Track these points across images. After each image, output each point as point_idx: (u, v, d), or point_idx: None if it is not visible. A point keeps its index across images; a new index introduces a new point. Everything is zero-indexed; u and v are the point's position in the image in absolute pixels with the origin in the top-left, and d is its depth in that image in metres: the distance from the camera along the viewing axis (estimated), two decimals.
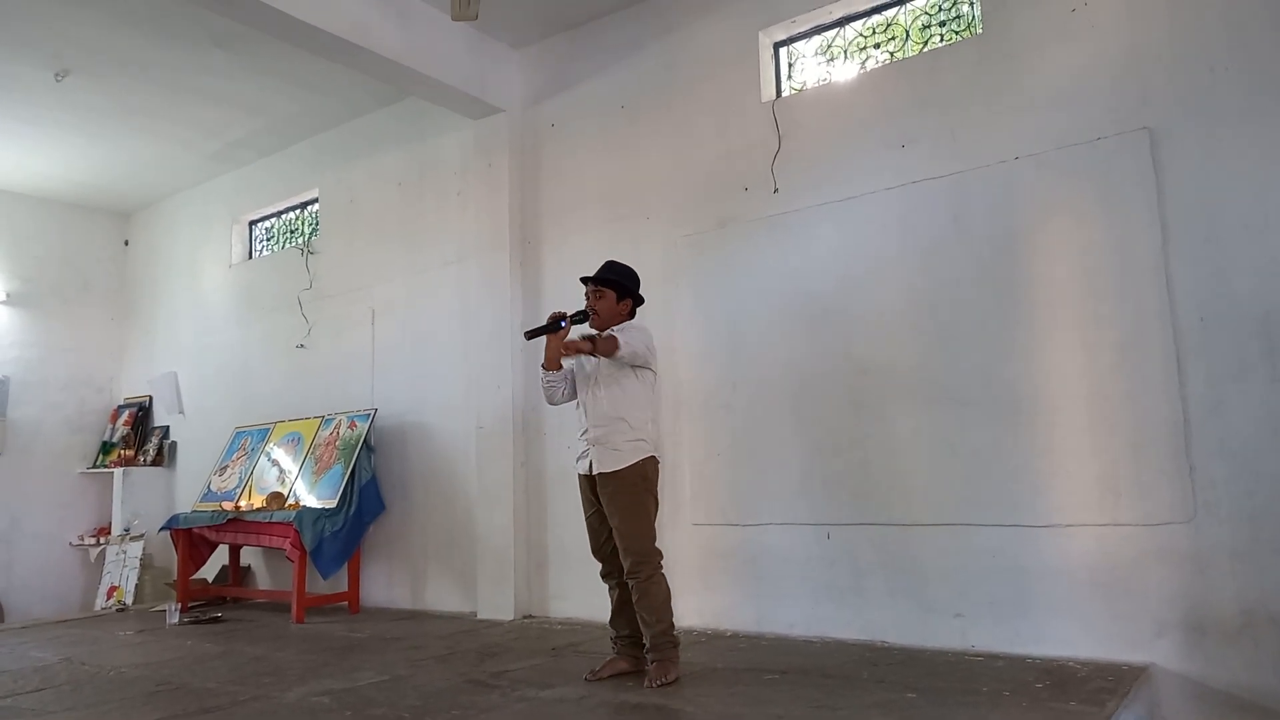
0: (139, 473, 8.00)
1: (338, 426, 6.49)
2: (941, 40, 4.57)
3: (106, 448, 8.40)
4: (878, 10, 4.79)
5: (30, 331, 8.19)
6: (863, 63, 4.83)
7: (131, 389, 8.65)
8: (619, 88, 5.56)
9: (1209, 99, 3.73)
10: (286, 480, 6.54)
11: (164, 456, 8.11)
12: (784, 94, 5.05)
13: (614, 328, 3.81)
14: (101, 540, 7.85)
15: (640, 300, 4.02)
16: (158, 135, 7.13)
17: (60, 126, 6.87)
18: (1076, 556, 3.83)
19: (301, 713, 3.47)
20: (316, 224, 7.38)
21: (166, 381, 8.22)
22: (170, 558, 7.13)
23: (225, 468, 7.11)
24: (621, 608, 3.82)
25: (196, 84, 6.29)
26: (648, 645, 3.67)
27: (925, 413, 4.26)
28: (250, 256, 8.02)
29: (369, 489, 6.21)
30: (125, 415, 8.45)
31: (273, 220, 7.95)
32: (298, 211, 7.72)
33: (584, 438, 3.83)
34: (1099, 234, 3.90)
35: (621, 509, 3.68)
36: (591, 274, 3.96)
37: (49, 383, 8.26)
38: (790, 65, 5.11)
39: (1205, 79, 3.75)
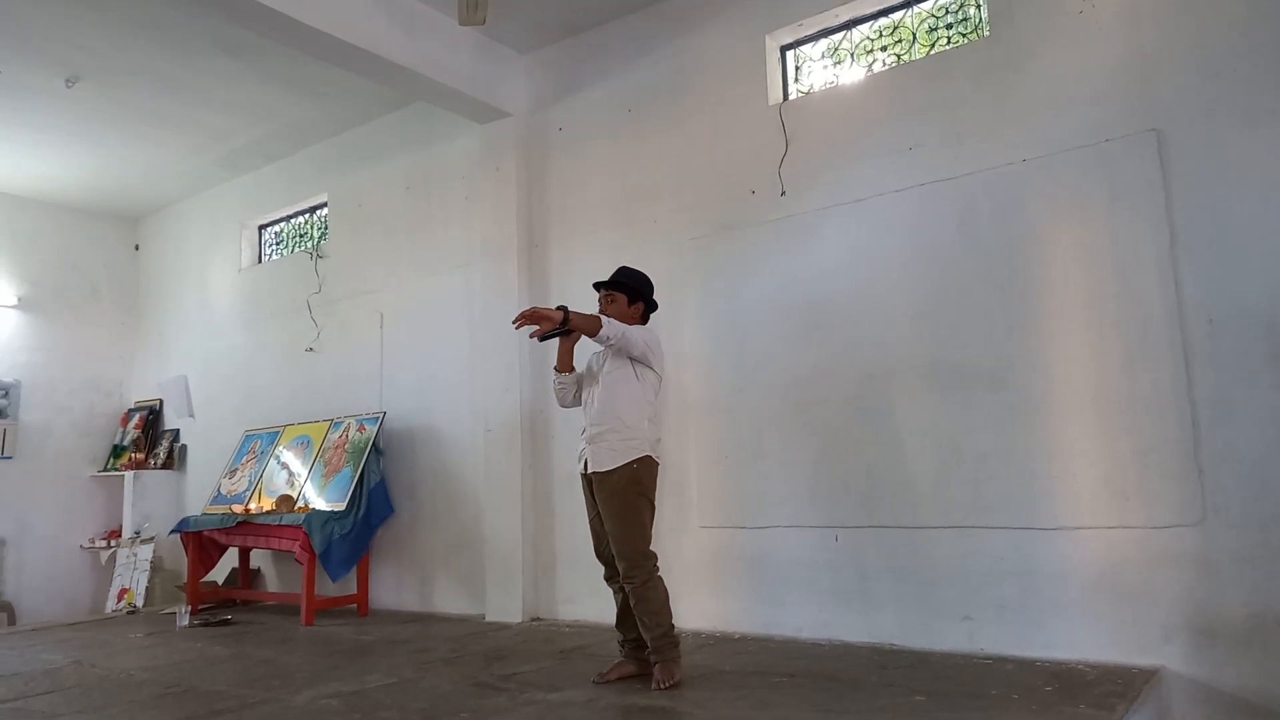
0: (149, 476, 8.04)
1: (346, 429, 6.51)
2: (948, 43, 4.57)
3: (117, 451, 8.45)
4: (884, 13, 4.79)
5: (41, 336, 8.24)
6: (869, 66, 4.83)
7: (142, 392, 8.69)
8: (626, 92, 5.57)
9: (1217, 101, 3.72)
10: (296, 483, 6.56)
11: (174, 459, 8.15)
12: (791, 97, 5.05)
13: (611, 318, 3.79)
14: (112, 543, 7.88)
15: (654, 306, 4.03)
16: (167, 141, 7.18)
17: (71, 132, 6.92)
18: (1085, 559, 3.82)
19: (310, 715, 3.48)
20: (325, 228, 7.41)
21: (176, 385, 8.26)
22: (180, 560, 7.16)
23: (235, 471, 7.14)
24: (627, 610, 3.81)
25: (206, 90, 6.33)
26: (649, 648, 3.67)
27: (932, 415, 4.26)
28: (259, 261, 8.06)
29: (378, 492, 6.23)
30: (135, 419, 8.49)
31: (282, 225, 7.99)
32: (307, 216, 7.75)
33: (583, 437, 3.85)
34: (1106, 236, 3.89)
35: (613, 511, 3.69)
36: (604, 280, 3.98)
37: (59, 387, 8.31)
38: (797, 68, 5.12)
39: (1213, 80, 3.74)
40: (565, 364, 3.91)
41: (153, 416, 8.44)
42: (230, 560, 7.11)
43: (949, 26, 4.59)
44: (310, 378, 7.12)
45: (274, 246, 8.04)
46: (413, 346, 6.49)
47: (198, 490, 7.80)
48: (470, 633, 5.22)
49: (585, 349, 3.90)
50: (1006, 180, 4.16)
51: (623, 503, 3.68)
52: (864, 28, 4.87)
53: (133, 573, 7.34)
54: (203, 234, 8.34)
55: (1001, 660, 3.87)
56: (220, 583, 7.14)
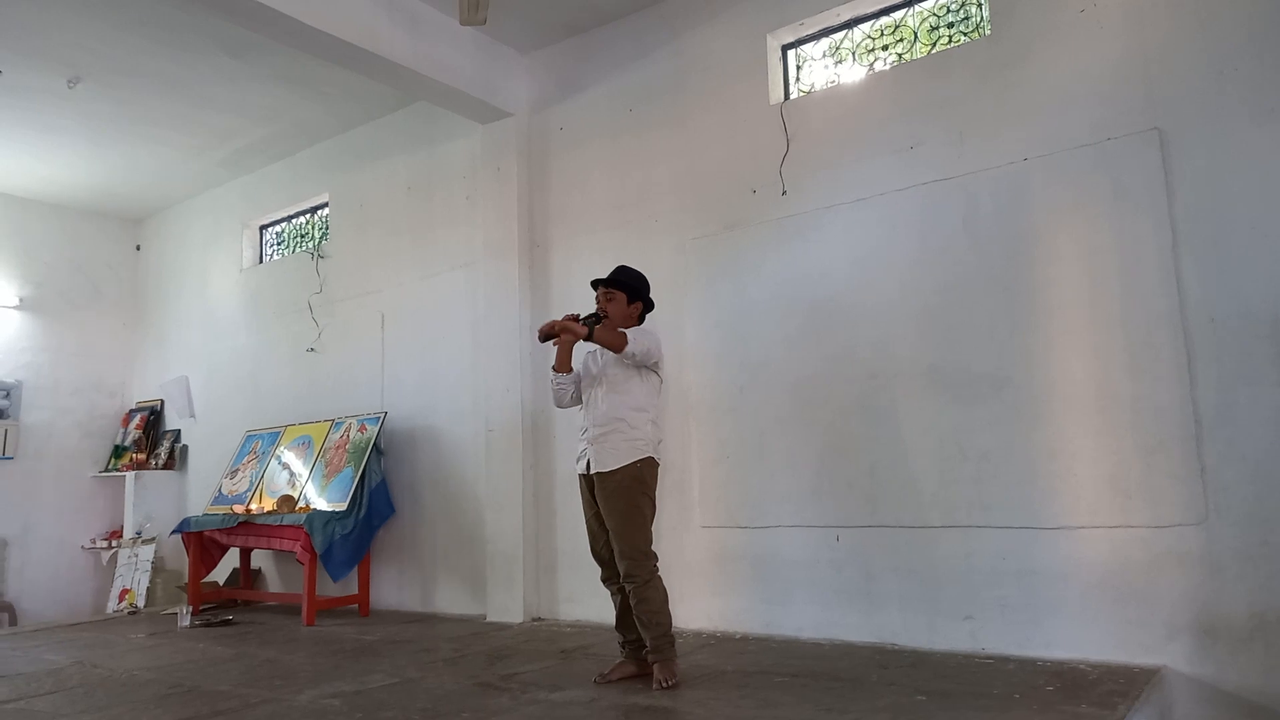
0: (150, 476, 8.04)
1: (348, 430, 6.51)
2: (950, 42, 4.57)
3: (118, 451, 8.45)
4: (886, 12, 4.78)
5: (42, 336, 8.24)
6: (871, 65, 4.82)
7: (143, 393, 8.70)
8: (627, 91, 5.57)
9: (1219, 99, 3.72)
10: (297, 483, 6.57)
11: (175, 460, 8.16)
12: (792, 96, 5.05)
13: (626, 330, 3.80)
14: (113, 543, 7.89)
15: (651, 305, 4.04)
16: (169, 141, 7.18)
17: (72, 133, 6.92)
18: (1087, 559, 3.82)
19: (312, 715, 3.48)
20: (326, 228, 7.42)
21: (178, 385, 8.27)
22: (182, 561, 7.17)
23: (236, 471, 7.14)
24: (626, 611, 3.81)
25: (207, 91, 6.34)
26: (649, 647, 3.68)
27: (935, 415, 4.26)
28: (261, 261, 8.06)
29: (379, 492, 6.23)
30: (137, 419, 8.50)
31: (283, 225, 7.99)
32: (308, 216, 7.76)
33: (583, 437, 3.84)
34: (1109, 235, 3.89)
35: (616, 510, 3.69)
36: (603, 277, 3.98)
37: (61, 387, 8.32)
38: (798, 68, 5.11)
39: (1215, 79, 3.74)
40: (564, 364, 3.91)
41: (154, 417, 8.44)
42: (231, 561, 7.12)
43: (950, 25, 4.59)
44: (311, 378, 7.12)
45: (275, 246, 8.04)
46: (414, 346, 6.49)
47: (199, 491, 7.81)
48: (472, 632, 5.22)
49: (580, 347, 3.90)
50: (1008, 179, 4.16)
51: (626, 502, 3.68)
52: (865, 27, 4.87)
53: (134, 573, 7.35)
54: (204, 234, 8.35)
55: (1003, 659, 3.87)
56: (221, 583, 7.14)
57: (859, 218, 4.57)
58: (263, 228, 8.12)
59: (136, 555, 7.43)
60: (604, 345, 3.70)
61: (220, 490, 7.13)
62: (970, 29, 4.50)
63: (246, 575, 7.12)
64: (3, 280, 8.06)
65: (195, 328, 8.27)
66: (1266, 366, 3.53)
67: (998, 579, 4.02)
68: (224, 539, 6.64)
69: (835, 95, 4.80)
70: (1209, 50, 3.76)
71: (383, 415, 6.40)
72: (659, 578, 3.71)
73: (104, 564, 8.02)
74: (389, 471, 6.38)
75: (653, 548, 3.72)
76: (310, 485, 6.46)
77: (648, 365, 3.79)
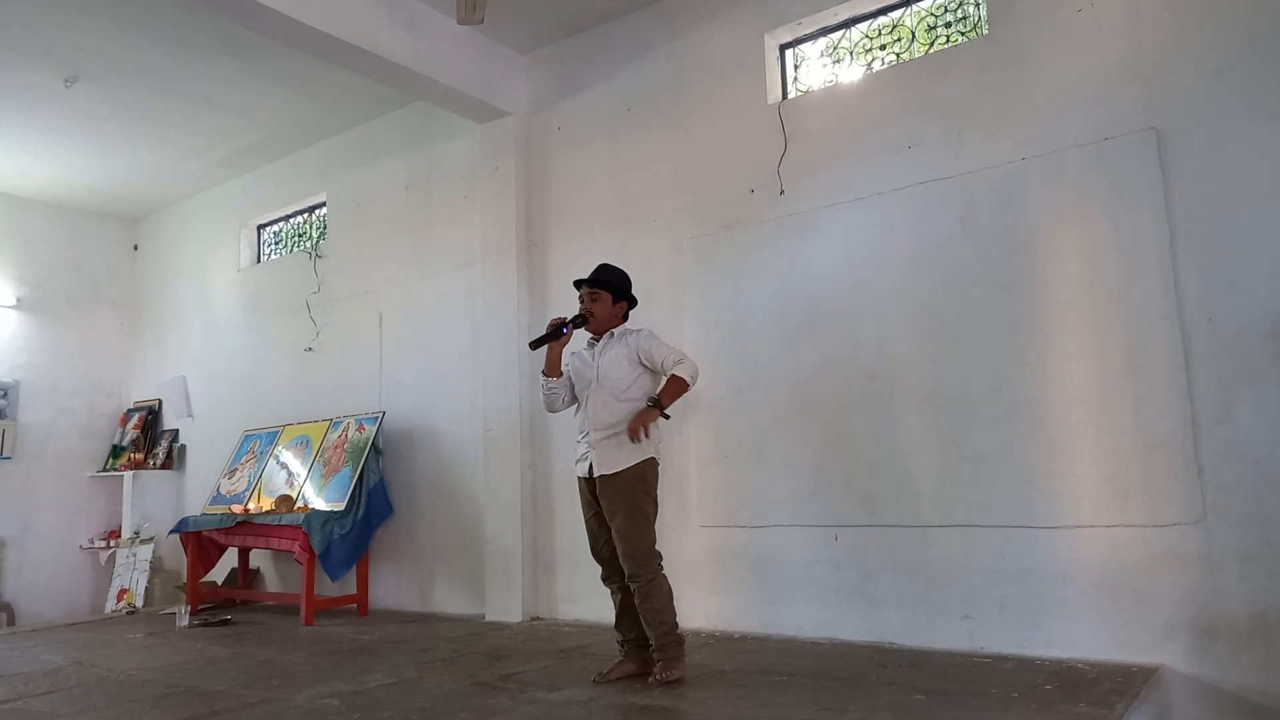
0: (148, 476, 8.04)
1: (346, 429, 6.51)
2: (947, 41, 4.57)
3: (116, 451, 8.44)
4: (883, 12, 4.78)
5: (40, 336, 8.23)
6: (869, 64, 4.82)
7: (141, 393, 8.69)
8: (625, 91, 5.57)
9: (1216, 99, 3.72)
10: (295, 483, 6.56)
11: (173, 460, 8.15)
12: (790, 96, 5.05)
13: (661, 356, 3.81)
14: (111, 543, 7.88)
15: (634, 302, 4.04)
16: (166, 141, 7.17)
17: (70, 132, 6.91)
18: (1085, 558, 3.82)
19: (310, 715, 3.48)
20: (324, 228, 7.41)
21: (175, 385, 8.25)
22: (180, 561, 7.16)
23: (234, 471, 7.14)
24: (625, 610, 3.82)
25: (205, 90, 6.33)
26: (653, 645, 3.68)
27: (933, 414, 4.26)
28: (258, 261, 8.05)
29: (377, 492, 6.23)
30: (135, 419, 8.49)
31: (281, 224, 7.98)
32: (306, 216, 7.75)
33: (585, 440, 3.83)
34: (1106, 235, 3.89)
35: (621, 511, 3.69)
36: (584, 278, 3.98)
37: (59, 387, 8.30)
38: (796, 67, 5.11)
39: (1212, 79, 3.74)
40: (555, 369, 3.89)
41: (152, 417, 8.43)
42: (230, 560, 7.11)
43: (948, 25, 4.59)
44: (309, 377, 7.11)
45: (273, 246, 8.03)
46: (412, 346, 6.48)
47: (197, 490, 7.80)
48: (470, 632, 5.22)
49: (568, 347, 3.94)
50: (1006, 179, 4.16)
51: (631, 503, 3.69)
52: (863, 26, 4.87)
53: (132, 573, 7.34)
54: (202, 234, 8.34)
55: (1001, 659, 3.87)
56: (220, 583, 7.14)
57: (857, 217, 4.57)
58: (260, 227, 8.11)
59: (134, 555, 7.42)
60: (675, 399, 3.78)
61: (218, 490, 7.12)
62: (968, 29, 4.51)
63: (244, 575, 7.11)
64: (0, 280, 8.04)
65: (193, 327, 8.26)
66: (1265, 366, 3.53)
67: (996, 578, 4.02)
68: (222, 539, 6.63)
69: (833, 95, 4.80)
70: (1207, 50, 3.76)
71: (381, 415, 6.40)
72: (663, 576, 3.72)
73: (102, 564, 8.01)
74: (387, 471, 6.37)
75: (656, 547, 3.73)
76: (308, 485, 6.45)
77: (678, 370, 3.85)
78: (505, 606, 5.55)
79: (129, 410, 8.65)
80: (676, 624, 3.72)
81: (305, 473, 6.56)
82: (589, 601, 5.23)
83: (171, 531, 7.06)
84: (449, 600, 6.07)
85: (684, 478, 5.00)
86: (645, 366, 3.82)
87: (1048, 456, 3.95)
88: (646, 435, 3.73)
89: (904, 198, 4.43)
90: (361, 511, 6.08)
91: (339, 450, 6.43)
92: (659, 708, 3.34)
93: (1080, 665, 3.68)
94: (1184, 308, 3.70)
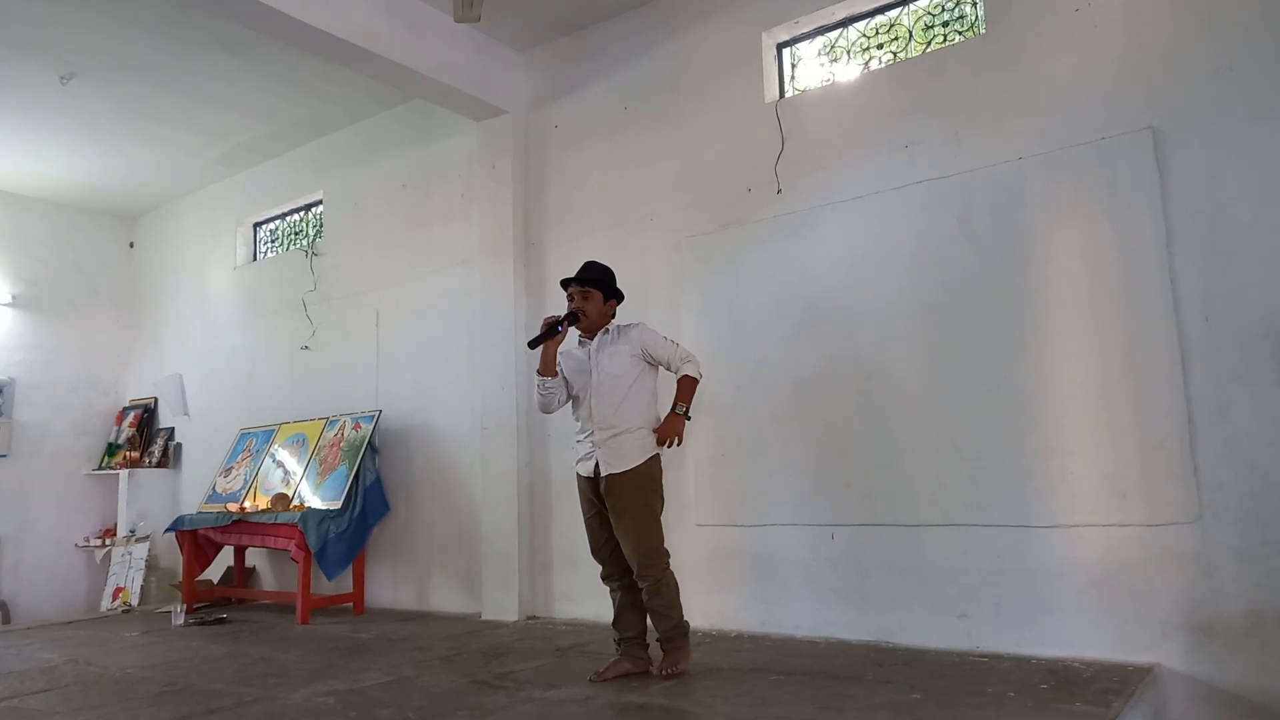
0: (144, 474, 8.02)
1: (342, 428, 6.50)
2: (944, 41, 4.57)
3: (112, 449, 8.42)
4: (880, 11, 4.79)
5: (36, 334, 8.21)
6: (866, 63, 4.82)
7: (137, 391, 8.67)
8: (622, 89, 5.57)
9: (1213, 98, 3.72)
10: (291, 481, 6.55)
11: (169, 458, 8.13)
12: (787, 95, 5.05)
13: (667, 354, 3.85)
14: (107, 542, 7.87)
15: (621, 297, 4.03)
16: (163, 138, 7.15)
17: (66, 130, 6.89)
18: (1082, 557, 3.82)
19: (307, 714, 3.47)
20: (321, 226, 7.40)
21: (172, 383, 8.24)
22: (176, 559, 7.16)
23: (230, 469, 7.12)
24: (624, 610, 3.83)
25: (201, 87, 6.31)
26: (661, 638, 3.72)
27: (930, 413, 4.26)
28: (255, 259, 8.04)
29: (373, 490, 6.22)
30: (130, 417, 8.47)
31: (277, 222, 7.97)
32: (302, 214, 7.74)
33: (588, 439, 3.82)
34: (1103, 234, 3.89)
35: (631, 509, 3.69)
36: (572, 276, 3.96)
37: (55, 385, 8.28)
38: (793, 66, 5.11)
39: (1209, 78, 3.74)
40: (551, 368, 3.85)
41: (148, 415, 8.42)
42: (225, 559, 7.10)
43: (945, 24, 4.59)
44: (306, 376, 7.10)
45: (270, 244, 8.02)
46: (409, 344, 6.48)
47: (193, 488, 7.78)
48: (467, 631, 5.21)
49: (563, 345, 3.93)
50: (1003, 178, 4.16)
51: (640, 501, 3.70)
52: (860, 25, 4.87)
53: (128, 571, 7.32)
54: (198, 231, 8.32)
55: (998, 657, 3.88)
56: (215, 581, 7.13)
57: (855, 216, 4.57)
58: (257, 225, 8.09)
59: (130, 553, 7.41)
60: (692, 399, 3.85)
61: (214, 488, 7.11)
62: (965, 28, 4.51)
63: (240, 573, 7.10)
64: None
65: (189, 325, 8.25)
66: (1262, 365, 3.53)
67: (993, 577, 4.02)
68: (218, 537, 6.61)
69: (830, 94, 4.80)
70: (1203, 50, 3.76)
71: (377, 413, 6.39)
72: (671, 573, 3.75)
73: (98, 562, 8.00)
74: (384, 469, 6.36)
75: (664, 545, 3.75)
76: (305, 483, 6.44)
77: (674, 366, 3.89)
78: (502, 605, 5.55)
79: (125, 408, 8.63)
80: (683, 617, 3.76)
81: (301, 471, 6.55)
82: (586, 600, 5.23)
83: (167, 530, 7.05)
84: (445, 599, 6.06)
85: (681, 476, 4.99)
86: (647, 362, 3.83)
87: (1045, 455, 3.95)
88: (680, 442, 3.82)
89: (902, 197, 4.43)
90: (358, 510, 6.07)
91: (335, 448, 6.42)
92: (656, 706, 3.34)
93: (1077, 664, 3.68)
94: (1181, 307, 3.71)
